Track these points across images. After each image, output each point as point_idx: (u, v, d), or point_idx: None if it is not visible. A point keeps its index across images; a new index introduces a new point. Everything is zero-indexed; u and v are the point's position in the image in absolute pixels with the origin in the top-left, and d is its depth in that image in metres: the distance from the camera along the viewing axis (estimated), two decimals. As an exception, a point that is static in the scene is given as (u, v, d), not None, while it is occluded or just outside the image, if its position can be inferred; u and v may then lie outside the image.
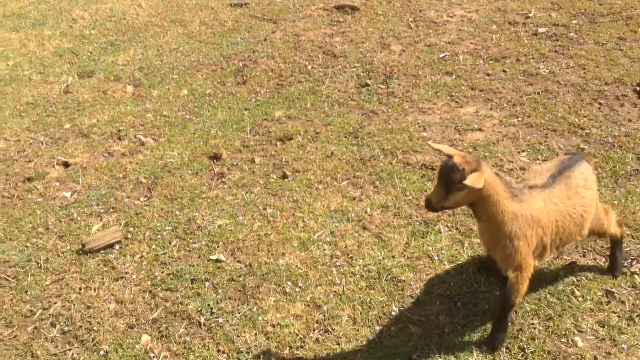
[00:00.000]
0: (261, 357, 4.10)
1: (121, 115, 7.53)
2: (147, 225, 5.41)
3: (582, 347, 3.96)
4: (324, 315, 4.39)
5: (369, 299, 4.49)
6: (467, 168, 3.31)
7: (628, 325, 4.11)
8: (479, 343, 4.01)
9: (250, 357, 4.11)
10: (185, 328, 4.38)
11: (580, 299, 4.32)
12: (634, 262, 4.58)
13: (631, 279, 4.45)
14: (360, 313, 4.39)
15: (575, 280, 4.47)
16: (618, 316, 4.18)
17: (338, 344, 4.18)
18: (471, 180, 3.24)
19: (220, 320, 4.39)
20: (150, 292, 4.71)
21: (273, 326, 4.34)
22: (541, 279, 4.47)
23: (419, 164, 5.99)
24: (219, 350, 4.19)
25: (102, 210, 5.68)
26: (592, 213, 3.98)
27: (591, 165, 4.07)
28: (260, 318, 4.39)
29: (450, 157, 3.40)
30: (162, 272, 4.87)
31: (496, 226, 3.56)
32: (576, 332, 4.08)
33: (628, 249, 4.74)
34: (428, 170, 5.89)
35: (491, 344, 3.97)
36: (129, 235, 5.30)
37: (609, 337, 4.03)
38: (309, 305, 4.49)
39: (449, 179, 3.35)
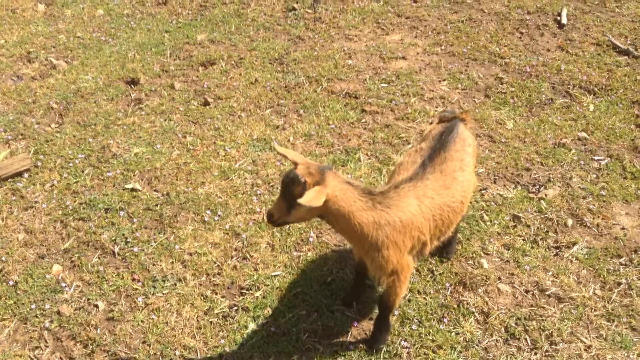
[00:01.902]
0: (177, 285, 4.10)
1: (31, 36, 7.04)
2: (59, 153, 5.17)
3: (487, 268, 4.15)
4: (243, 243, 4.40)
5: (286, 227, 4.51)
6: (310, 181, 2.94)
7: (532, 248, 4.33)
8: (362, 341, 3.76)
9: (166, 285, 4.10)
10: (99, 258, 4.29)
11: (488, 223, 4.50)
12: (542, 188, 4.79)
13: (538, 203, 4.66)
14: (279, 240, 4.42)
15: (484, 205, 4.65)
16: (523, 239, 4.40)
17: (256, 270, 4.21)
18: (307, 199, 2.84)
19: (136, 249, 4.32)
20: (61, 221, 4.56)
21: (190, 254, 4.32)
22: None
23: (343, 93, 5.94)
24: (133, 279, 4.15)
25: (9, 137, 5.37)
26: (472, 192, 3.67)
27: (469, 123, 3.73)
28: (177, 247, 4.35)
29: (294, 165, 3.03)
30: (74, 202, 4.71)
31: (357, 239, 3.15)
32: (483, 254, 4.27)
33: (537, 175, 4.94)
34: (352, 99, 5.86)
35: (372, 345, 3.66)
36: (39, 163, 5.06)
37: (513, 259, 4.25)
38: (227, 234, 4.48)
39: (290, 192, 2.97)
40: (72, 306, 3.98)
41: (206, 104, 5.82)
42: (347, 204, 3.01)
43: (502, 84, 6.00)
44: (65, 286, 4.09)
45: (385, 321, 3.63)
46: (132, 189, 4.83)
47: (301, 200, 2.82)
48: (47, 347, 3.76)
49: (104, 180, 4.92)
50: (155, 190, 4.84)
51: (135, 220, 4.55)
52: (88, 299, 4.03)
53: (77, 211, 4.63)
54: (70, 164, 5.05)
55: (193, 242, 4.41)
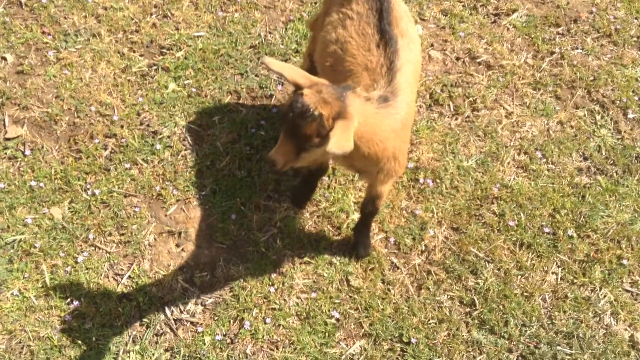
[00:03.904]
0: (91, 40, 3.83)
1: None
2: None
3: (421, 34, 3.97)
4: (163, 0, 4.05)
5: (212, -17, 4.14)
6: (327, 113, 2.19)
7: (470, 14, 4.12)
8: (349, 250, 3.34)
9: (79, 40, 3.81)
10: (4, 8, 3.91)
11: (430, -12, 4.22)
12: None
13: (484, -31, 4.35)
14: (204, -3, 4.09)
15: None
16: (463, 5, 4.17)
17: (177, 29, 3.93)
18: (337, 144, 2.11)
19: (44, 0, 3.94)
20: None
21: (105, 9, 3.97)
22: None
23: None
24: (43, 32, 3.84)
25: None
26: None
27: None
28: (90, 0, 3.98)
29: (299, 90, 2.27)
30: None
31: (374, 157, 2.51)
32: (419, 20, 4.06)
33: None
34: None
35: (363, 253, 3.21)
36: None
37: (449, 25, 4.06)
38: (147, -12, 4.10)
39: (299, 131, 2.23)
40: (-23, 58, 3.73)
41: None
42: (370, 124, 2.35)
43: None
44: (-32, 38, 3.78)
45: (370, 225, 3.17)
46: None
47: (332, 148, 2.09)
48: (-47, 99, 3.59)
49: None
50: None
51: (42, -33, 4.09)
52: (-5, 52, 3.77)
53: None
54: None
55: (109, -5, 4.04)
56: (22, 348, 2.90)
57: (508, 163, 3.54)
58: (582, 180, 3.52)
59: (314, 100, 2.18)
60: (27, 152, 3.42)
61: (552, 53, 3.99)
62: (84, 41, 3.82)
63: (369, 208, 3.01)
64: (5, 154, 3.41)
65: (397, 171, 2.67)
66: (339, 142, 2.11)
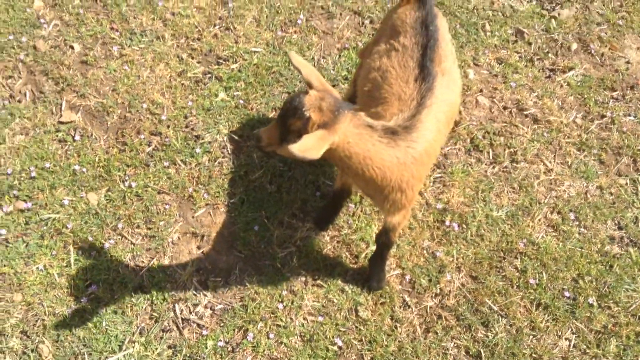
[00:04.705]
0: (154, 42, 4.02)
1: None
2: None
3: (472, 79, 3.98)
4: (229, 13, 4.21)
5: (278, 3, 4.27)
6: (316, 118, 2.24)
7: (525, 66, 4.10)
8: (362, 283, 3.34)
9: (143, 40, 4.02)
10: (81, 0, 4.17)
11: (488, 34, 4.22)
12: (558, 7, 4.40)
13: (547, 22, 4.32)
14: (267, 16, 4.22)
15: (490, 14, 4.32)
16: (519, 56, 4.15)
17: (237, 42, 4.08)
18: (301, 147, 2.14)
19: (119, -2, 4.19)
20: (47, -42, 4.37)
21: (173, 14, 4.17)
22: (459, 7, 4.32)
23: None
24: (112, 28, 4.06)
25: None
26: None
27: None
28: (160, 3, 4.18)
29: (307, 88, 2.36)
30: (63, -61, 4.46)
31: (375, 183, 2.52)
32: (472, 64, 4.07)
33: None
34: None
35: (376, 286, 3.23)
36: None
37: (502, 74, 4.05)
38: (214, 0, 4.27)
39: (287, 123, 2.30)
40: (48, 43, 3.96)
41: None
42: (364, 148, 2.35)
43: None
44: (44, 23, 4.03)
45: (386, 257, 3.17)
46: (125, -64, 4.54)
47: (294, 149, 2.13)
48: (20, 78, 3.82)
49: None
50: (148, -58, 4.55)
51: (122, -32, 4.34)
52: (65, 40, 3.99)
53: (65, -51, 4.41)
54: None
55: (178, 2, 4.22)
56: (37, 321, 3.04)
57: (539, 220, 3.47)
58: (612, 249, 3.41)
59: (311, 103, 2.24)
60: (77, 137, 3.61)
61: (603, 116, 3.91)
62: (147, 41, 4.02)
63: (382, 239, 3.03)
64: (57, 136, 3.61)
65: (403, 204, 2.66)
66: (304, 146, 2.15)
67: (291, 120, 2.27)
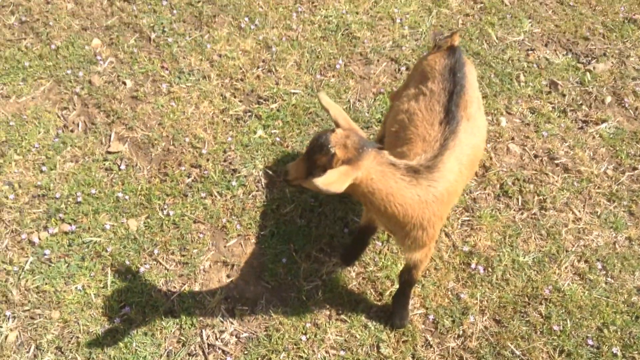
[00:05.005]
0: (201, 81, 4.27)
1: None
2: None
3: (504, 126, 4.07)
4: (272, 56, 4.44)
5: (319, 49, 4.49)
6: (340, 155, 2.36)
7: (558, 117, 4.17)
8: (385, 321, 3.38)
9: (191, 78, 4.28)
10: (135, 40, 4.48)
11: (522, 84, 4.32)
12: (593, 61, 4.47)
13: (582, 75, 4.39)
14: (307, 61, 4.43)
15: (525, 66, 4.42)
16: (553, 107, 4.22)
17: (277, 83, 4.30)
18: (325, 181, 2.26)
19: (170, 39, 4.47)
20: None
21: (220, 56, 4.43)
22: (494, 58, 4.44)
23: None
24: (162, 67, 4.34)
25: None
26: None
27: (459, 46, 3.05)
28: (209, 46, 4.45)
29: (334, 127, 2.47)
30: (124, -16, 4.83)
31: (397, 220, 2.61)
32: (505, 113, 4.16)
33: (594, 46, 4.59)
34: None
35: (399, 324, 3.29)
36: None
37: (534, 123, 4.12)
38: (259, 44, 4.52)
39: (313, 159, 2.43)
40: (103, 79, 4.26)
41: None
42: (386, 185, 2.46)
43: (594, -57, 5.39)
44: (101, 60, 4.34)
45: (409, 295, 3.25)
46: (180, -17, 4.88)
47: (318, 182, 2.24)
48: (74, 109, 4.10)
49: (155, -31, 4.98)
50: (201, -12, 4.88)
51: (175, 12, 4.64)
52: (118, 76, 4.28)
53: (124, -6, 4.77)
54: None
55: (225, 45, 4.49)
56: (72, 338, 3.19)
57: (565, 267, 3.47)
58: (639, 300, 3.38)
59: (337, 140, 2.36)
60: (122, 166, 3.83)
61: (634, 169, 3.92)
62: (194, 80, 4.27)
63: (405, 277, 3.11)
64: (104, 164, 3.84)
65: (424, 241, 2.73)
66: (328, 180, 2.25)
67: (317, 155, 2.39)
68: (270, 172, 3.82)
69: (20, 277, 3.37)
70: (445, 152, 2.60)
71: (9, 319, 3.24)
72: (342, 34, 4.60)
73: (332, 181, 2.26)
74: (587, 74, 4.38)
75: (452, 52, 2.92)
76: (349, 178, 2.32)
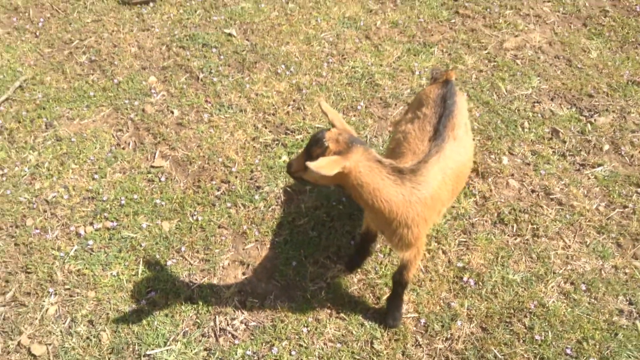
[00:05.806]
0: (238, 113, 4.87)
1: None
2: (181, -5, 6.07)
3: (505, 164, 4.46)
4: (302, 97, 5.03)
5: (344, 93, 5.07)
6: (332, 147, 2.76)
7: (557, 159, 4.53)
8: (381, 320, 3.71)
9: (229, 111, 4.89)
10: (186, 79, 5.17)
11: (526, 130, 4.73)
12: (595, 115, 4.86)
13: (584, 126, 4.77)
14: (333, 102, 5.00)
15: (531, 115, 4.85)
16: (553, 151, 4.60)
17: (304, 119, 4.85)
18: (317, 164, 2.65)
19: (215, 79, 5.13)
20: (166, 45, 5.48)
21: (256, 95, 5.05)
22: (502, 107, 4.89)
23: (445, -5, 6.19)
24: (206, 101, 4.98)
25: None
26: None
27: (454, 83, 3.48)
28: (248, 86, 5.09)
29: (331, 127, 2.88)
30: (181, 33, 5.59)
31: (383, 215, 2.95)
32: (507, 153, 4.55)
33: (597, 103, 4.99)
34: (450, 0, 6.09)
35: (392, 324, 3.62)
36: (164, -1, 6.01)
37: (534, 163, 4.50)
38: (292, 87, 5.13)
39: (310, 152, 2.83)
40: (154, 108, 4.92)
41: (317, -18, 6.37)
42: (373, 180, 2.81)
43: (605, 16, 5.88)
44: (154, 92, 5.03)
45: (401, 297, 3.59)
46: (229, 34, 5.60)
47: (310, 164, 2.64)
48: (128, 131, 4.75)
49: (209, 21, 5.75)
50: (246, 39, 5.58)
51: (222, 57, 5.34)
52: (168, 106, 4.94)
53: (181, 40, 5.52)
54: (188, 4, 5.93)
55: (262, 86, 5.12)
56: (103, 314, 3.65)
57: (552, 287, 3.74)
58: (620, 320, 3.59)
59: (331, 136, 2.77)
60: (163, 178, 4.39)
61: (625, 207, 4.21)
62: (232, 112, 4.88)
63: (397, 277, 3.46)
64: (147, 176, 4.41)
65: (410, 240, 3.05)
66: (320, 164, 2.65)
67: (314, 148, 2.80)
68: (289, 190, 4.30)
69: (65, 261, 3.90)
70: (430, 160, 2.95)
71: (51, 295, 3.74)
72: (366, 82, 5.17)
73: (323, 165, 2.65)
74: (588, 125, 4.76)
75: (445, 84, 3.38)
76: (337, 165, 2.69)
